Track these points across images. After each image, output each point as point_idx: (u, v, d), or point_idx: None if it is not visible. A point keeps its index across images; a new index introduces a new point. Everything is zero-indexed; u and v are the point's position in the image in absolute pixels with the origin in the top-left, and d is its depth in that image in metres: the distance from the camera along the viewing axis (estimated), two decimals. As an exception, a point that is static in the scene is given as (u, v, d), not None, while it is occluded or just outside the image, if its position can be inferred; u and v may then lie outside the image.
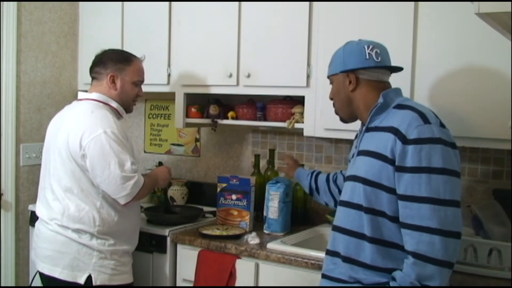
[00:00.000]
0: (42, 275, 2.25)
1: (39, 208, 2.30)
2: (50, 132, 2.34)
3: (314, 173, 2.29)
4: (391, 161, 1.59)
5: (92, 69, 2.36)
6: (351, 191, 1.71)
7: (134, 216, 2.33)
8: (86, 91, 2.37)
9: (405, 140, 1.56)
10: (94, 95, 2.29)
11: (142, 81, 2.40)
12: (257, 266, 2.27)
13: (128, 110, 2.38)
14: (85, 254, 2.16)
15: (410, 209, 1.55)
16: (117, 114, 2.32)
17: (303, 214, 2.75)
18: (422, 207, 1.53)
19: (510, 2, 1.19)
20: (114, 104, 2.30)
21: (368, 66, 1.74)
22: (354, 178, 1.70)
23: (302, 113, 2.51)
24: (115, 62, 2.32)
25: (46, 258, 2.21)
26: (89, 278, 2.15)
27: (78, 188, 2.18)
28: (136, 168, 2.21)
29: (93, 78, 2.36)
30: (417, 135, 1.56)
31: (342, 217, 1.75)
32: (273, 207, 2.52)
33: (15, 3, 2.90)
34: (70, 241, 2.17)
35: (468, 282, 1.86)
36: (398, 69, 1.82)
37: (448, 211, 1.53)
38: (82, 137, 2.13)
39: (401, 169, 1.57)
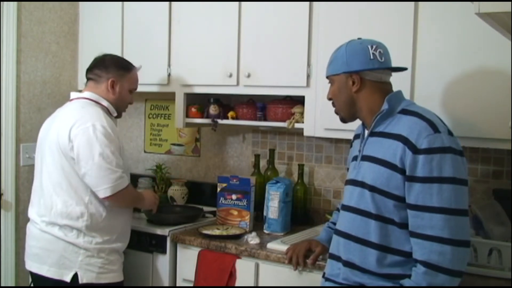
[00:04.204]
0: (31, 274, 2.28)
1: (30, 210, 2.33)
2: (41, 134, 2.37)
3: (331, 227, 2.09)
4: (401, 170, 1.59)
5: (91, 71, 2.39)
6: (358, 198, 1.70)
7: (124, 213, 2.32)
8: (80, 91, 2.41)
9: (415, 150, 1.56)
10: (86, 94, 2.33)
11: (135, 90, 2.48)
12: (257, 266, 2.27)
13: (118, 115, 2.43)
14: (72, 252, 2.18)
15: (421, 219, 1.55)
16: (108, 113, 2.34)
17: (303, 214, 2.75)
18: (433, 217, 1.53)
19: (510, 2, 1.19)
20: (105, 103, 2.33)
21: (373, 67, 1.72)
22: (362, 185, 1.69)
23: (302, 113, 2.51)
24: (117, 68, 2.37)
25: (34, 256, 2.24)
26: (75, 276, 2.17)
27: (67, 183, 2.19)
28: (121, 165, 2.20)
29: (89, 79, 2.39)
30: (428, 145, 1.55)
31: (347, 222, 1.74)
32: (273, 207, 2.52)
33: (15, 3, 2.89)
34: (56, 239, 2.19)
35: (468, 282, 1.85)
36: (401, 69, 1.81)
37: (458, 220, 1.54)
38: (71, 129, 2.16)
39: (411, 179, 1.57)
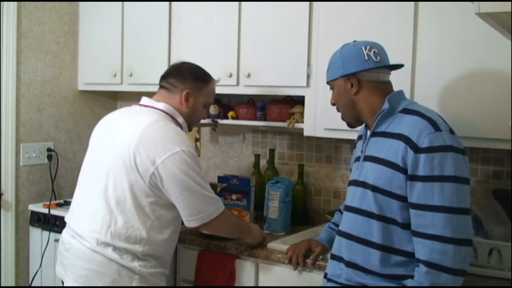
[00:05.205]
0: None
1: (72, 218, 2.09)
2: (102, 134, 2.14)
3: (332, 227, 2.12)
4: (403, 170, 1.59)
5: (166, 78, 2.17)
6: (361, 198, 1.70)
7: (176, 238, 2.16)
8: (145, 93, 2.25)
9: (417, 149, 1.56)
10: (162, 105, 2.09)
11: (211, 104, 2.31)
12: (257, 266, 2.27)
13: (189, 129, 2.21)
14: (126, 276, 1.97)
15: (423, 218, 1.55)
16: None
17: (303, 214, 2.75)
18: (435, 216, 1.53)
19: (510, 2, 1.19)
20: (180, 120, 2.12)
21: (369, 67, 1.72)
22: (364, 185, 1.69)
23: (302, 113, 2.51)
24: (194, 79, 2.15)
25: (80, 278, 1.99)
26: None
27: (133, 203, 1.97)
28: (210, 189, 2.04)
29: (162, 87, 2.16)
30: (429, 143, 1.55)
31: (349, 223, 1.74)
32: (273, 207, 2.52)
33: (15, 3, 2.90)
34: (109, 262, 1.96)
35: (468, 282, 1.85)
36: (398, 66, 1.82)
37: (460, 219, 1.53)
38: (157, 153, 1.93)
39: (413, 178, 1.57)
